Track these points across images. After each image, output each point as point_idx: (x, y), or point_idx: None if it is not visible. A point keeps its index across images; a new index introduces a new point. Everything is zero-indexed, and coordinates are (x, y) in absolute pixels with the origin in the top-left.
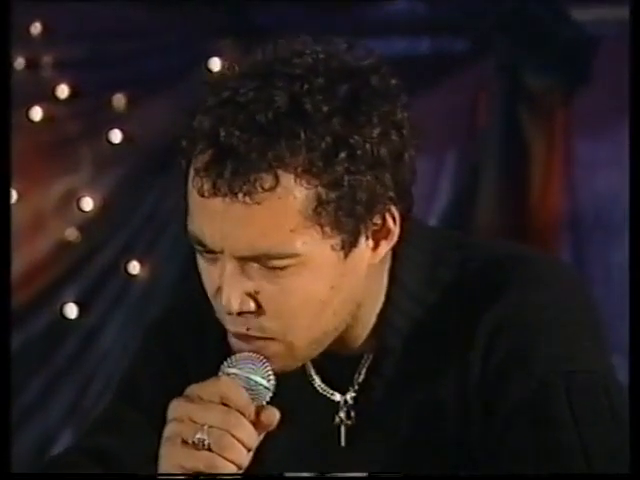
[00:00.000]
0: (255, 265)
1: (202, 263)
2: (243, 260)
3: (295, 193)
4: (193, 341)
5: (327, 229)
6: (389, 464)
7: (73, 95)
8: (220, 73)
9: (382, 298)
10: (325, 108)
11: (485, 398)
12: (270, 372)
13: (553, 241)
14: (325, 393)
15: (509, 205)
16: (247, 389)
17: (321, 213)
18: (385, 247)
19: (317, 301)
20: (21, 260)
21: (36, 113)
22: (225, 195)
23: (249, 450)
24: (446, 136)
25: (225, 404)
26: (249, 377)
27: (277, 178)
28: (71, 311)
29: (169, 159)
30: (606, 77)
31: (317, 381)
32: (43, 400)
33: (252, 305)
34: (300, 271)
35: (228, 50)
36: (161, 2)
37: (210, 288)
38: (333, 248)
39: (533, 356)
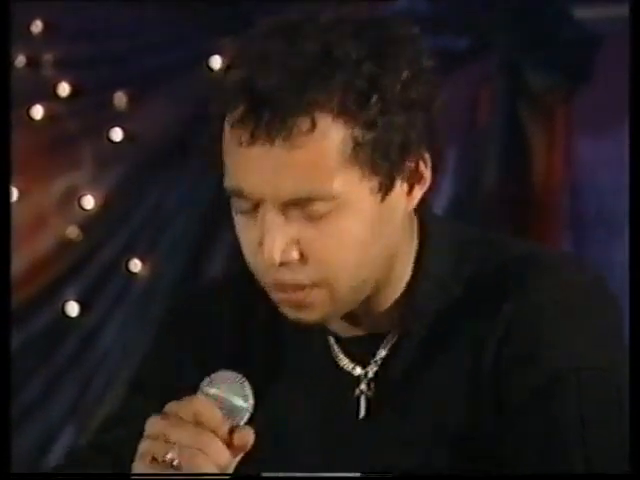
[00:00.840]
0: (296, 212)
1: (241, 221)
2: (284, 206)
3: (332, 135)
4: (208, 334)
5: (365, 171)
6: (405, 440)
7: (74, 93)
8: (244, 33)
9: (410, 269)
10: (355, 54)
11: (496, 387)
12: (248, 392)
13: (554, 239)
14: (347, 367)
15: (509, 204)
16: (224, 409)
17: (358, 155)
18: (419, 192)
19: (359, 245)
20: (22, 258)
21: (37, 111)
22: (264, 142)
23: (222, 470)
24: (446, 134)
25: (199, 423)
26: (226, 398)
27: (314, 121)
28: (72, 309)
29: (170, 157)
30: (607, 75)
31: (340, 356)
32: (44, 399)
33: (295, 254)
34: (341, 215)
35: (229, 48)
36: (162, 0)
37: (249, 246)
38: (371, 191)
39: (545, 350)
